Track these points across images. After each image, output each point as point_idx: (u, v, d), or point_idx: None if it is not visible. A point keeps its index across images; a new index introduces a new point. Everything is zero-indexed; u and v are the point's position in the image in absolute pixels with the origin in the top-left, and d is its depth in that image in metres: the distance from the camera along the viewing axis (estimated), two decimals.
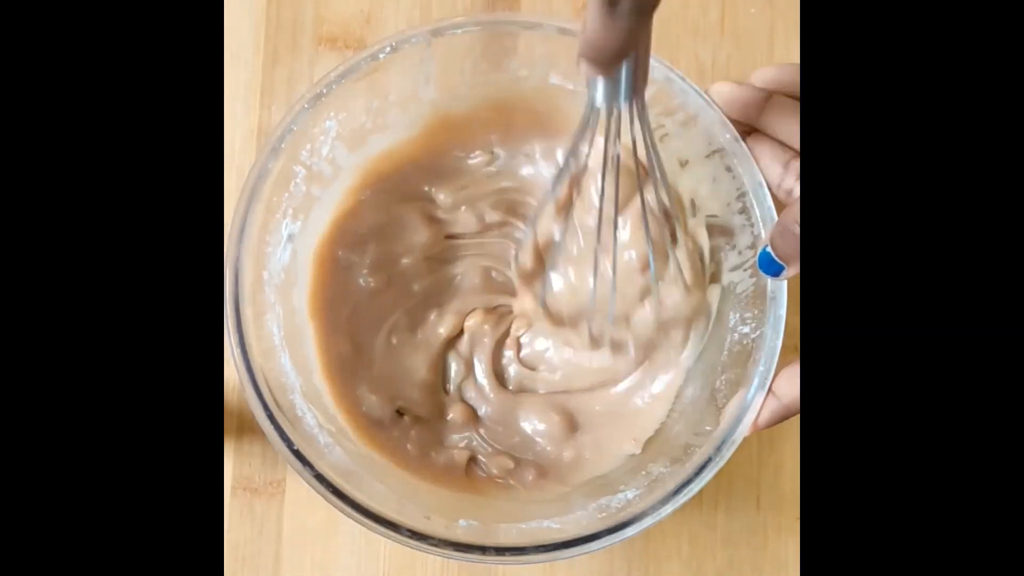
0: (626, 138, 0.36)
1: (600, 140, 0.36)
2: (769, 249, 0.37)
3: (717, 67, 0.48)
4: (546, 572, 0.46)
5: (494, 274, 0.46)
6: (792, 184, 0.38)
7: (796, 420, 0.45)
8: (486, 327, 0.45)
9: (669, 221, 0.41)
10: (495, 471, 0.43)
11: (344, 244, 0.44)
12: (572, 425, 0.44)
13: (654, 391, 0.44)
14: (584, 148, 0.38)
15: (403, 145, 0.43)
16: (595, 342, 0.44)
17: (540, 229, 0.44)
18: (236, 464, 0.46)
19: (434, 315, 0.45)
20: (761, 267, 0.37)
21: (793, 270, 0.36)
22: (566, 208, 0.43)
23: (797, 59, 0.46)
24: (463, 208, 0.45)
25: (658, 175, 0.38)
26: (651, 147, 0.36)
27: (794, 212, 0.35)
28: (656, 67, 0.39)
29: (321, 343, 0.43)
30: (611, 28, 0.29)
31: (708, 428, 0.39)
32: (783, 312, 0.38)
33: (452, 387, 0.46)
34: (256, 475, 0.46)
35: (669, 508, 0.37)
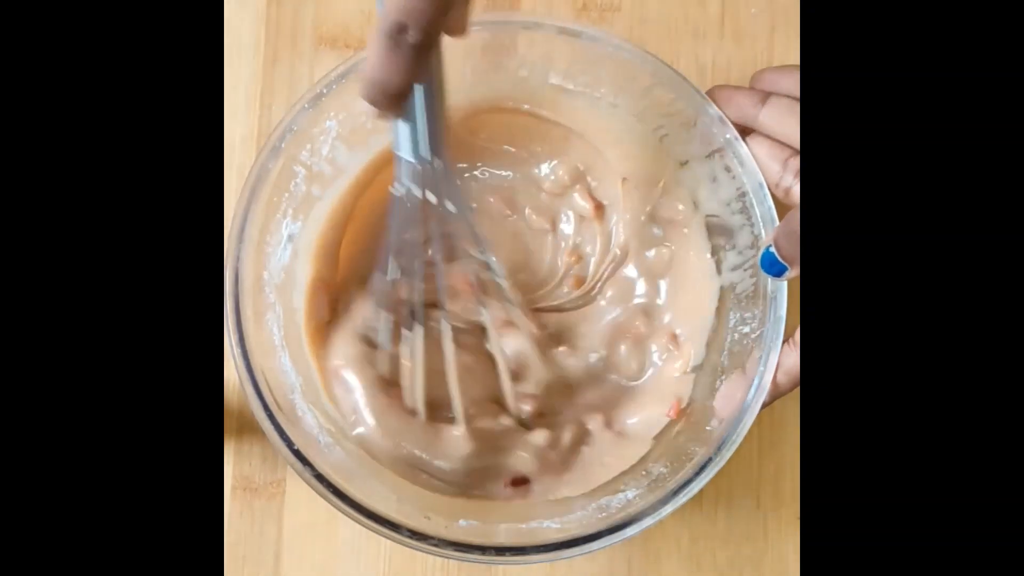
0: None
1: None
2: (773, 249, 0.37)
3: (717, 67, 0.48)
4: (546, 572, 0.46)
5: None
6: (791, 182, 0.38)
7: (796, 420, 0.45)
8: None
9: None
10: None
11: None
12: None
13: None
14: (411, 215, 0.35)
15: None
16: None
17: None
18: (236, 464, 0.46)
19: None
20: (763, 267, 0.37)
21: (796, 271, 0.36)
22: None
23: (797, 59, 0.46)
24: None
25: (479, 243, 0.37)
26: (466, 213, 0.35)
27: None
28: (657, 67, 0.39)
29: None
30: (392, 63, 0.28)
31: (708, 428, 0.39)
32: (783, 312, 0.38)
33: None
34: (256, 475, 0.46)
35: (669, 508, 0.37)
